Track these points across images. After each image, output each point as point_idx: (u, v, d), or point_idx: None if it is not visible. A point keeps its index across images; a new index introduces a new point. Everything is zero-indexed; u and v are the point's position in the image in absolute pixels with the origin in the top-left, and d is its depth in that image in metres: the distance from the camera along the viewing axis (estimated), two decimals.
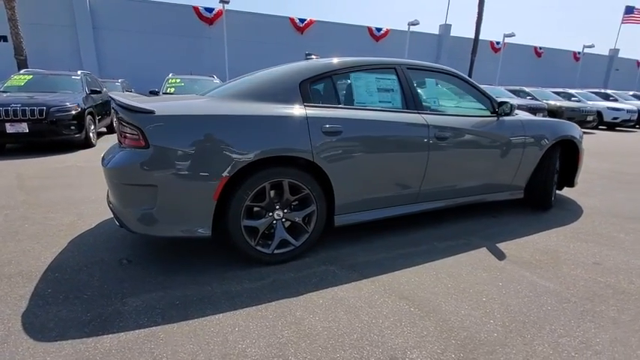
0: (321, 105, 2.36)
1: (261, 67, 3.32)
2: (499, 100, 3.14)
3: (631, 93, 16.34)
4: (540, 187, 3.38)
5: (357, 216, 2.56)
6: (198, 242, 2.61)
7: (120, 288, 2.04)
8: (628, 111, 12.65)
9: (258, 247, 2.27)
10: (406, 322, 1.79)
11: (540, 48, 27.82)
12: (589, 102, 13.18)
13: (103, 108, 7.44)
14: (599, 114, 12.17)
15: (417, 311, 1.89)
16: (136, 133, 1.96)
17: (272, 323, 1.76)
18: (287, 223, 2.38)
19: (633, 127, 13.64)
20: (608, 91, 15.36)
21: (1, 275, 2.14)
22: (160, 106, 2.03)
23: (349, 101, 2.51)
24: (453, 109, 3.02)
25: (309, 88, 2.35)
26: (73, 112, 5.81)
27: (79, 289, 2.02)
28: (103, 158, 2.33)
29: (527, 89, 12.72)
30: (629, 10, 29.76)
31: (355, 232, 2.84)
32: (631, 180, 5.03)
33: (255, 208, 2.27)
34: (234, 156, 2.03)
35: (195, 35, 18.11)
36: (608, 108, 12.70)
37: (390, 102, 2.64)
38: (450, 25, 23.57)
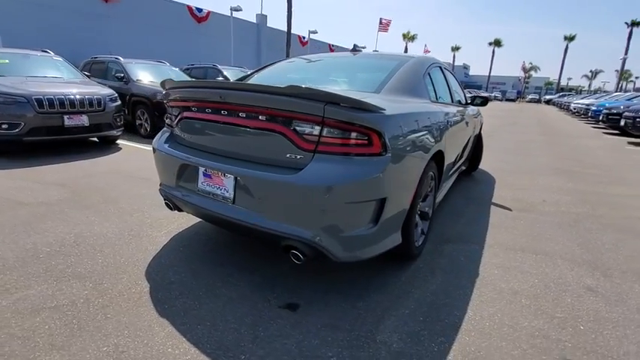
0: (438, 101, 2.51)
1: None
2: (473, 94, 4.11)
3: None
4: (478, 156, 4.67)
5: (438, 195, 2.88)
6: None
7: (353, 330, 1.63)
8: None
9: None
10: (563, 266, 2.37)
11: (333, 45, 33.38)
12: None
13: None
14: None
15: (547, 257, 2.50)
16: (365, 137, 1.55)
17: (530, 302, 1.95)
18: None
19: None
20: None
21: None
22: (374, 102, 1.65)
23: (438, 95, 2.73)
24: (459, 100, 3.73)
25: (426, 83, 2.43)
26: None
27: (313, 355, 1.47)
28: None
29: None
30: (381, 21, 39.98)
31: None
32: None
33: None
34: (426, 154, 1.95)
35: None
36: None
37: (447, 96, 3.04)
38: (266, 15, 24.61)
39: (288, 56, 24.56)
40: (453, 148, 2.84)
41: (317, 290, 1.94)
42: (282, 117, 1.61)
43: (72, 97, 4.54)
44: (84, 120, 4.65)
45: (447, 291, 2.01)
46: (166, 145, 2.10)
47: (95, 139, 5.54)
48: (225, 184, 1.78)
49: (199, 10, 19.93)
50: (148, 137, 6.44)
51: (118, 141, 5.84)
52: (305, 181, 1.53)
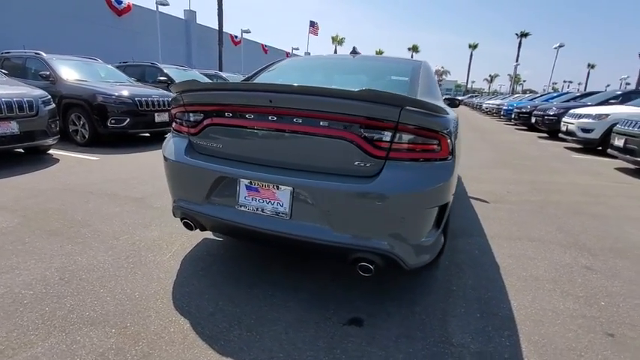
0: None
1: None
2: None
3: None
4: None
5: None
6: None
7: (426, 337, 1.60)
8: None
9: None
10: (557, 250, 2.66)
11: (266, 46, 32.90)
12: None
13: None
14: None
15: (541, 243, 2.78)
16: (435, 141, 1.53)
17: (553, 286, 2.12)
18: None
19: None
20: None
21: None
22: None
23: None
24: None
25: None
26: None
27: None
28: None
29: None
30: (312, 24, 40.64)
31: None
32: None
33: None
34: (460, 154, 2.01)
35: None
36: None
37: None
38: (195, 12, 23.17)
39: (220, 55, 23.48)
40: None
41: (370, 301, 1.88)
42: (351, 122, 1.51)
43: None
44: (13, 127, 3.83)
45: (484, 285, 2.11)
46: (188, 156, 1.82)
47: (20, 149, 4.61)
48: (278, 198, 1.61)
49: (119, 2, 17.89)
50: (86, 145, 5.58)
51: (51, 151, 4.94)
52: (385, 189, 1.46)
